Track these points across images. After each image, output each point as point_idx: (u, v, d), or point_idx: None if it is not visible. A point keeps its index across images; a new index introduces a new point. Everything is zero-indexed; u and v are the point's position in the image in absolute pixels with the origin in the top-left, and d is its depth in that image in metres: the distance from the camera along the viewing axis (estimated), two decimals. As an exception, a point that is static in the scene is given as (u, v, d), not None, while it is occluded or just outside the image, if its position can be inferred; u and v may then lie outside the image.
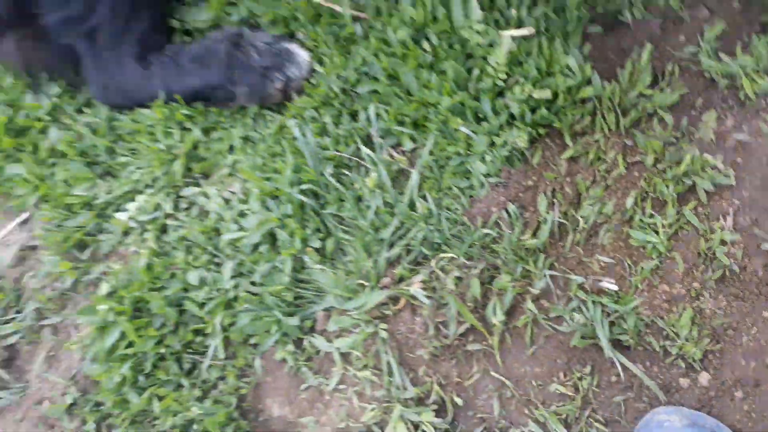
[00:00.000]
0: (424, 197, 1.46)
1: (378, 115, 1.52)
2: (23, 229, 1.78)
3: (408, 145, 1.51)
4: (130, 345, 1.53)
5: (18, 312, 1.71)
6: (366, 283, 1.44)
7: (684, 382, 1.34)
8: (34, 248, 1.76)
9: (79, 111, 1.80)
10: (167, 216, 1.64)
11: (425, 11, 1.50)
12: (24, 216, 1.78)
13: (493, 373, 1.39)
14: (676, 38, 1.50)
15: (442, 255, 1.43)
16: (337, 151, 1.52)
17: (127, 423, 1.55)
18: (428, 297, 1.40)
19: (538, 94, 1.38)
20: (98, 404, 1.59)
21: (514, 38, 1.45)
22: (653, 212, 1.38)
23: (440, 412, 1.39)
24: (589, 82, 1.42)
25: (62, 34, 1.68)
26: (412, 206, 1.46)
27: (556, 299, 1.39)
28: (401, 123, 1.50)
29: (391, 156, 1.51)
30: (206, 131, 1.68)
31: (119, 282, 1.57)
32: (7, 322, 1.70)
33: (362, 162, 1.51)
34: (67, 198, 1.67)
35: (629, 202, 1.39)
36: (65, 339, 1.67)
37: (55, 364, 1.67)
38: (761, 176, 1.37)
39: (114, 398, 1.54)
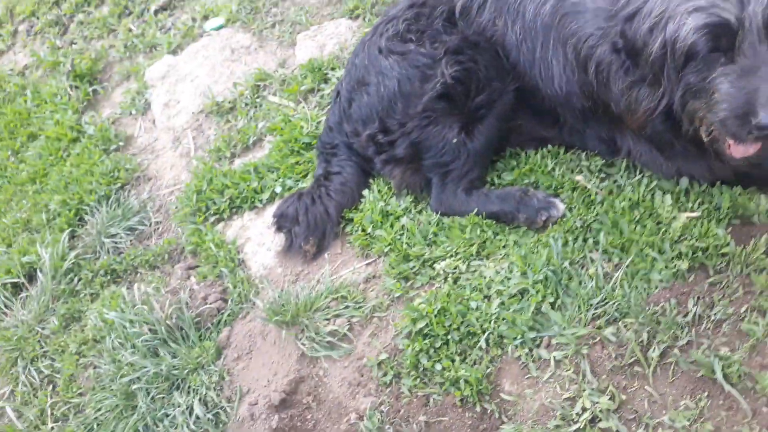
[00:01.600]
0: (621, 286, 2.57)
1: (599, 241, 2.70)
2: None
3: (615, 259, 2.66)
4: (429, 331, 2.68)
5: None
6: (578, 324, 2.52)
7: None
8: (377, 277, 3.05)
9: (420, 212, 3.19)
10: (461, 273, 2.87)
11: (639, 195, 2.75)
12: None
13: (646, 387, 2.35)
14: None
15: (626, 319, 2.49)
16: (572, 255, 2.71)
17: (414, 376, 2.65)
18: (614, 336, 2.44)
19: (698, 243, 2.51)
20: (399, 363, 2.72)
21: (687, 217, 2.63)
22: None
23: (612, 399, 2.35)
24: (727, 244, 2.52)
25: (430, 171, 3.14)
26: (613, 289, 2.57)
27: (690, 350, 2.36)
28: (614, 247, 2.68)
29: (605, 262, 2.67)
30: (494, 234, 2.96)
31: (430, 296, 2.79)
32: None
33: (586, 262, 2.69)
34: (409, 251, 2.98)
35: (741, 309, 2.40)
36: (384, 325, 2.87)
37: (376, 337, 2.84)
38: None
39: (411, 360, 2.66)
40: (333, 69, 4.08)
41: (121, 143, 4.52)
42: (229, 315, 3.18)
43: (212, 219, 3.63)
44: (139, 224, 3.87)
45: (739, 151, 2.34)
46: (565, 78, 2.80)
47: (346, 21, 4.46)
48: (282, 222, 3.26)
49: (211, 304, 3.18)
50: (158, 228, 3.87)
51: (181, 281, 3.40)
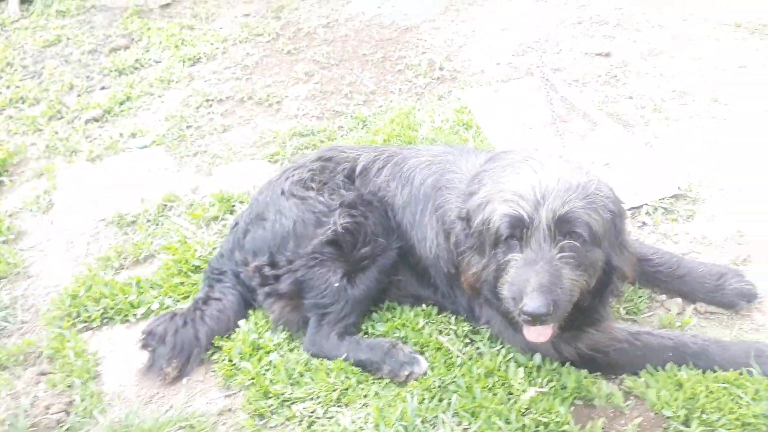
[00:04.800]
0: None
1: (453, 403, 2.78)
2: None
3: (465, 423, 2.73)
4: None
5: None
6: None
7: None
8: (233, 410, 2.98)
9: (291, 350, 3.21)
10: (317, 418, 2.86)
11: (495, 364, 2.90)
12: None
13: None
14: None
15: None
16: (426, 414, 2.77)
17: None
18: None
19: (541, 418, 2.63)
20: None
21: (536, 392, 2.77)
22: None
23: None
24: (567, 422, 2.65)
25: (309, 310, 3.22)
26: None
27: None
28: (465, 411, 2.75)
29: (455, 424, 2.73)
30: (358, 382, 3.00)
31: None
32: None
33: (438, 422, 2.74)
34: (271, 388, 2.96)
35: None
36: None
37: None
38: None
39: None
40: (241, 202, 4.26)
41: (11, 236, 4.42)
42: (68, 430, 2.98)
43: (80, 326, 3.53)
44: (3, 320, 3.69)
45: (531, 333, 2.59)
46: (435, 243, 3.06)
47: (265, 163, 4.73)
48: (149, 340, 3.20)
49: (52, 414, 2.99)
50: (22, 328, 3.69)
51: (29, 386, 3.20)
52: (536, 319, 2.42)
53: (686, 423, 2.64)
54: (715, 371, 2.79)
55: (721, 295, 3.18)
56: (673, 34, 5.78)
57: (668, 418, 2.67)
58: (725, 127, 4.53)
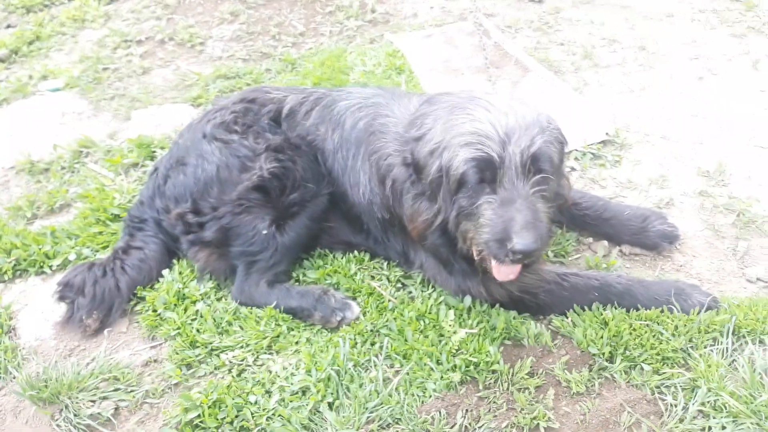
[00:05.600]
0: (398, 392, 2.62)
1: (385, 346, 2.77)
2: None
3: (397, 365, 2.73)
4: (200, 422, 2.54)
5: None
6: (351, 427, 2.51)
7: None
8: (158, 361, 2.87)
9: (219, 299, 3.11)
10: (247, 365, 2.79)
11: (427, 307, 2.90)
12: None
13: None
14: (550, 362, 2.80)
15: (398, 425, 2.52)
16: (358, 357, 2.75)
17: None
18: (384, 442, 2.45)
19: (472, 358, 2.66)
20: None
21: (466, 333, 2.79)
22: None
23: None
24: (497, 361, 2.69)
25: (236, 258, 3.11)
26: (390, 395, 2.61)
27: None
28: (397, 353, 2.75)
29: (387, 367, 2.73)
30: (289, 329, 2.94)
31: (209, 387, 2.66)
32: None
33: (370, 365, 2.72)
34: (198, 337, 2.87)
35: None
36: (155, 413, 2.67)
37: (143, 424, 2.63)
38: None
39: None
40: (162, 148, 4.04)
41: None
42: (-22, 387, 2.81)
43: (-9, 280, 3.30)
44: None
45: (501, 273, 2.57)
46: (369, 188, 2.98)
47: (187, 107, 4.50)
48: (66, 291, 3.03)
49: (-40, 372, 2.80)
50: (-76, 283, 3.43)
51: (-66, 343, 2.98)
52: (527, 256, 2.39)
53: (611, 359, 2.73)
54: (638, 309, 2.89)
55: (645, 237, 3.28)
56: (604, -18, 5.81)
57: (593, 355, 2.75)
58: (651, 74, 4.62)
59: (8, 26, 6.00)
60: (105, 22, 5.85)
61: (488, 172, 2.43)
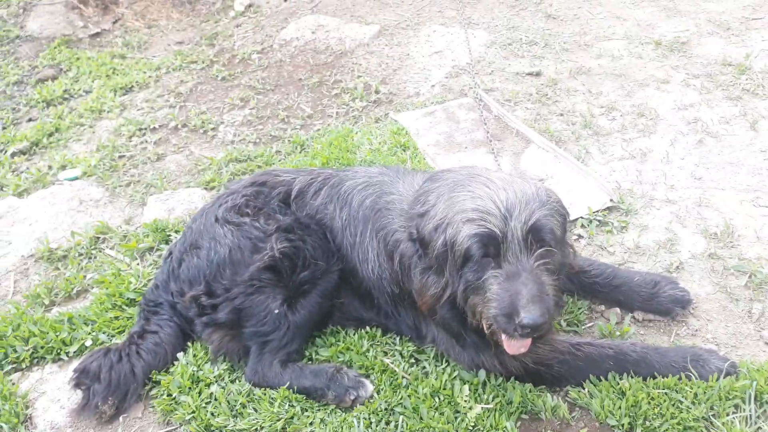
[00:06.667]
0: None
1: (401, 426, 2.74)
2: None
3: (413, 445, 2.70)
4: None
5: None
6: None
7: None
8: None
9: (233, 381, 3.11)
10: None
11: (441, 383, 2.88)
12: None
13: None
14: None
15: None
16: (374, 437, 2.72)
17: None
18: None
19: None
20: None
21: (482, 408, 2.77)
22: None
23: None
24: (516, 436, 2.66)
25: (249, 339, 3.13)
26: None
27: None
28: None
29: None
30: (303, 410, 2.92)
31: None
32: None
33: (386, 445, 2.69)
34: (212, 421, 2.86)
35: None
36: None
37: None
38: None
39: None
40: (177, 232, 4.13)
41: (-68, 277, 4.16)
42: (-6, 480, 2.80)
43: (8, 368, 3.33)
44: None
45: (512, 347, 2.57)
46: (377, 263, 3.03)
47: (200, 191, 4.62)
48: (82, 378, 3.04)
49: (-24, 465, 2.80)
50: (-58, 374, 3.46)
51: (-50, 436, 2.99)
52: (535, 330, 2.41)
53: (630, 430, 2.68)
54: (655, 377, 2.85)
55: (657, 303, 3.27)
56: (598, 53, 6.00)
57: (612, 426, 2.71)
58: (652, 140, 4.71)
59: (30, 119, 6.25)
60: (121, 112, 6.09)
61: (492, 246, 2.48)
